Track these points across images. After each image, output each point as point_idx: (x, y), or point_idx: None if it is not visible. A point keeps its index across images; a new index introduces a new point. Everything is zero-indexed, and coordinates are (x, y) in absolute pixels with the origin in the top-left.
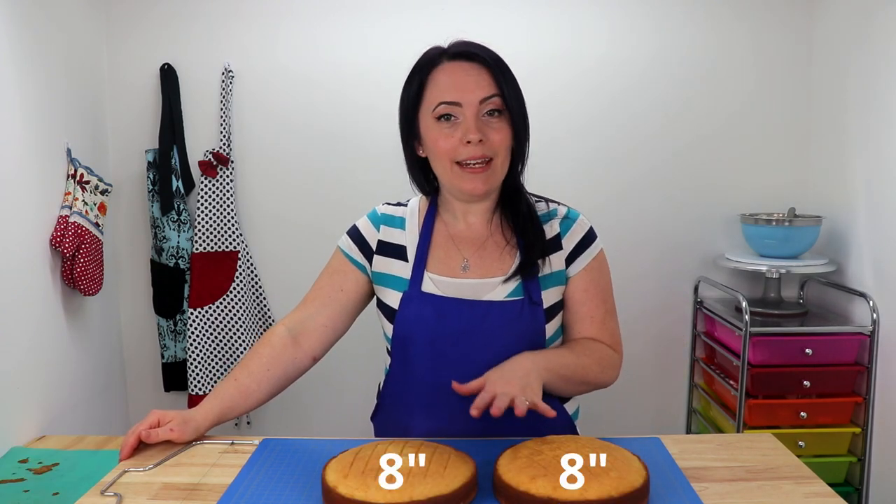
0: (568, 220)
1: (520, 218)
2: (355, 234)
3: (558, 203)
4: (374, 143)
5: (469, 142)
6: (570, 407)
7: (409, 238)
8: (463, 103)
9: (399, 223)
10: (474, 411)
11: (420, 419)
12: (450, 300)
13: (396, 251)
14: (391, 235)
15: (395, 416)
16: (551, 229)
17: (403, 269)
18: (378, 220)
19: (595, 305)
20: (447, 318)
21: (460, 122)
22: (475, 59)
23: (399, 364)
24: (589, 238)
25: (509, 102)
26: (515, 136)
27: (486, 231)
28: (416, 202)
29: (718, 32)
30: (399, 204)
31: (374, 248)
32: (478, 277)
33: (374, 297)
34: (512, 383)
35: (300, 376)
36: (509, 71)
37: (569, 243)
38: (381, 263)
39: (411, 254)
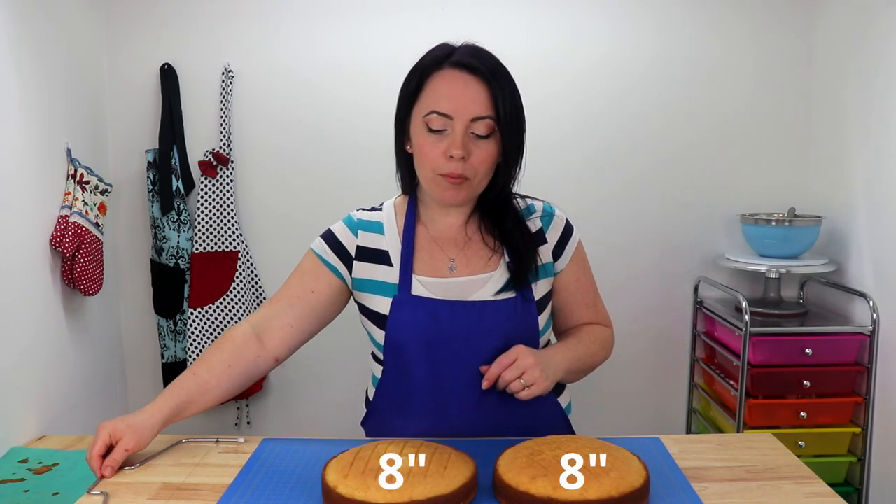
0: (547, 216)
1: (506, 233)
2: (331, 239)
3: (532, 198)
4: (373, 143)
5: (452, 156)
6: (563, 400)
7: (390, 242)
8: (454, 117)
9: (377, 228)
10: (484, 368)
11: (417, 423)
12: (443, 302)
13: (379, 256)
14: (371, 241)
15: (389, 421)
16: (533, 225)
17: (389, 274)
18: (355, 226)
19: (587, 292)
20: (441, 321)
21: (448, 134)
22: (477, 73)
23: (393, 369)
24: (568, 230)
25: (503, 123)
26: (505, 154)
27: (467, 229)
28: (390, 205)
29: (718, 32)
30: (374, 209)
31: (353, 255)
32: (465, 276)
33: (352, 305)
34: (538, 363)
35: (261, 377)
36: (510, 85)
37: (552, 237)
38: (364, 269)
39: (395, 258)
